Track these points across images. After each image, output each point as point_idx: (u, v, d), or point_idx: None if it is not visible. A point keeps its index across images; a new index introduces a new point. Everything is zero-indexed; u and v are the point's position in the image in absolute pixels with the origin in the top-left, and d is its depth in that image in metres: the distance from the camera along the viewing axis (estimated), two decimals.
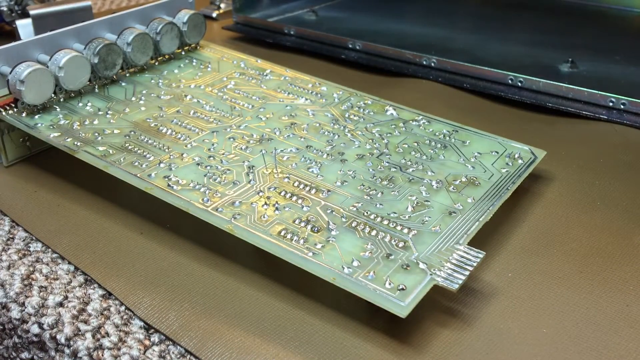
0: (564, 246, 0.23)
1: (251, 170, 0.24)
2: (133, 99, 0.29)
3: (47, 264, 0.22)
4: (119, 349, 0.19)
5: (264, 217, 0.21)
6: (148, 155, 0.24)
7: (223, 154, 0.25)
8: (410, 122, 0.28)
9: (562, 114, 0.32)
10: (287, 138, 0.26)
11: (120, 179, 0.23)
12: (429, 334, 0.19)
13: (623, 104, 0.31)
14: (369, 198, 0.23)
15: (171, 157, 0.25)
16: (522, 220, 0.24)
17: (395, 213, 0.22)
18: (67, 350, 0.19)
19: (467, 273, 0.19)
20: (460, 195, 0.23)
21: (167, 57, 0.32)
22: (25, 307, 0.21)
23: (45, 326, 0.20)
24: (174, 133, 0.26)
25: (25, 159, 0.28)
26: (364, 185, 0.23)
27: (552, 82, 0.32)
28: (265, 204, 0.22)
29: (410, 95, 0.33)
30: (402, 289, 0.19)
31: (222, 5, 0.48)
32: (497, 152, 0.26)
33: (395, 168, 0.25)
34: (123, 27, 0.30)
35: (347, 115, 0.28)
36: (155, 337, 0.19)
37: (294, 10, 0.45)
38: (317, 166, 0.24)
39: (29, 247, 0.23)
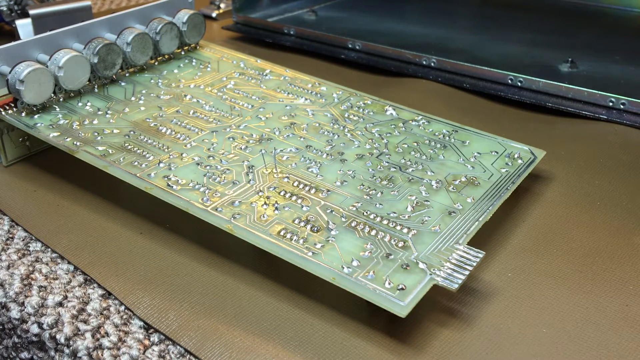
0: (564, 246, 0.23)
1: (251, 170, 0.24)
2: (133, 98, 0.29)
3: (47, 264, 0.22)
4: (118, 349, 0.19)
5: (263, 216, 0.21)
6: (148, 155, 0.24)
7: (223, 154, 0.25)
8: (410, 122, 0.28)
9: (562, 114, 0.32)
10: (287, 138, 0.26)
11: (120, 179, 0.23)
12: (428, 333, 0.19)
13: (623, 104, 0.31)
14: (368, 198, 0.23)
15: (171, 156, 0.24)
16: (522, 220, 0.24)
17: (394, 213, 0.22)
18: (66, 350, 0.19)
19: (467, 273, 0.19)
20: (460, 195, 0.23)
21: (166, 57, 0.32)
22: (25, 307, 0.21)
23: (44, 326, 0.20)
24: (173, 133, 0.26)
25: (24, 158, 0.28)
26: (363, 185, 0.23)
27: (552, 82, 0.32)
28: (265, 203, 0.22)
29: (410, 95, 0.33)
30: (402, 289, 0.19)
31: (222, 5, 0.48)
32: (497, 152, 0.26)
33: (394, 168, 0.25)
34: (123, 27, 0.30)
35: (346, 115, 0.28)
36: (154, 337, 0.19)
37: (293, 10, 0.45)
38: (317, 166, 0.24)
39: (29, 246, 0.23)
